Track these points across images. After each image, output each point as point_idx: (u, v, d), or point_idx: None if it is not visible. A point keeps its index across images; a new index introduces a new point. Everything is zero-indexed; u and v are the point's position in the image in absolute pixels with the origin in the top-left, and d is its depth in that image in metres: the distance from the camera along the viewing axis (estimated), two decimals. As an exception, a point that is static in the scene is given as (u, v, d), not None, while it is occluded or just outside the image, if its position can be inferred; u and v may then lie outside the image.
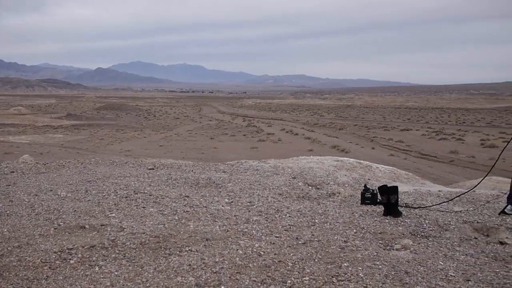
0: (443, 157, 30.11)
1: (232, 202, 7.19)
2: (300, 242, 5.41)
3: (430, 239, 5.81)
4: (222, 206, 6.93)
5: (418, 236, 5.90)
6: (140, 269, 4.55)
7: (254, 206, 6.95)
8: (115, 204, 6.89)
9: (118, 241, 5.26)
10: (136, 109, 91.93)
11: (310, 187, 8.40)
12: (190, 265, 4.63)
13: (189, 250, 5.05)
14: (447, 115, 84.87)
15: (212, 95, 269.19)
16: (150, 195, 7.42)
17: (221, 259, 4.79)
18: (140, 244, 5.20)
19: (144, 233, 5.55)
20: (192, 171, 9.73)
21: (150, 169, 9.89)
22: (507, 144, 7.50)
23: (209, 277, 4.37)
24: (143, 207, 6.71)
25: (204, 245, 5.21)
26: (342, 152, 31.06)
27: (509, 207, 7.02)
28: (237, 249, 5.09)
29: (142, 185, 8.15)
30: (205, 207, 6.83)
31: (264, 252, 5.04)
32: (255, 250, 5.08)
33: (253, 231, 5.75)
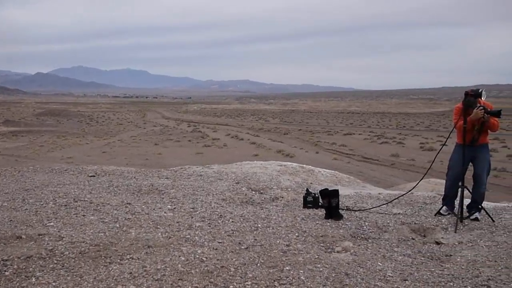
0: (385, 161, 30.81)
1: (174, 208, 7.14)
2: (242, 247, 5.43)
3: (369, 240, 5.96)
4: (165, 212, 6.86)
5: (358, 238, 6.04)
6: (79, 279, 4.45)
7: (197, 212, 6.93)
8: (53, 212, 6.70)
9: (57, 251, 5.12)
10: (78, 115, 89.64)
11: (253, 192, 8.44)
12: (131, 273, 4.56)
13: (130, 258, 4.98)
14: (388, 119, 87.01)
15: (157, 100, 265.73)
16: (91, 203, 7.26)
17: (163, 266, 4.74)
18: (80, 253, 5.08)
19: (83, 241, 5.42)
20: (134, 177, 9.59)
21: (91, 176, 9.69)
22: (441, 147, 7.78)
23: (150, 285, 4.32)
24: (83, 215, 6.56)
25: (146, 253, 5.15)
26: (287, 156, 31.27)
27: (444, 208, 7.29)
28: (179, 256, 5.05)
29: (82, 193, 7.97)
30: (147, 214, 6.75)
31: (206, 258, 5.03)
32: (197, 256, 5.06)
33: (196, 237, 5.73)
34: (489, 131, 7.04)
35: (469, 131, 6.94)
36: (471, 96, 6.90)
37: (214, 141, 43.15)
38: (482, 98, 6.91)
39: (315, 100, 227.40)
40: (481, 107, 6.76)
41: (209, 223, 6.37)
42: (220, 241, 5.64)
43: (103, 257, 4.99)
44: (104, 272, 4.61)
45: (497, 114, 6.78)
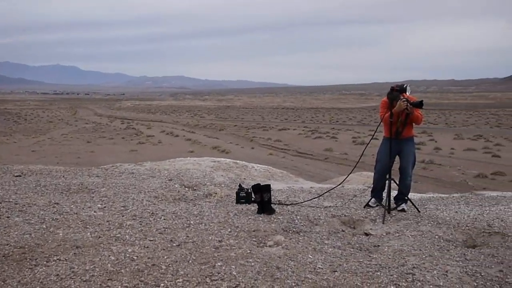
0: (319, 155, 31.34)
1: (105, 207, 6.97)
2: (174, 245, 5.39)
3: (301, 234, 6.05)
4: (94, 212, 6.70)
5: (290, 232, 6.12)
6: (2, 283, 4.27)
7: (128, 211, 6.80)
8: (-25, 215, 6.39)
9: (-22, 255, 4.90)
10: (4, 112, 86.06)
11: (186, 188, 8.38)
12: (58, 275, 4.43)
13: (57, 259, 4.83)
14: (322, 114, 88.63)
15: (89, 97, 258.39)
16: (16, 204, 6.98)
17: (91, 267, 4.63)
18: (3, 256, 4.88)
19: (8, 244, 5.21)
20: (63, 176, 9.30)
21: (17, 176, 9.31)
22: (370, 141, 8.02)
23: (78, 286, 4.21)
24: (7, 217, 6.29)
25: (74, 253, 5.01)
26: (223, 152, 31.28)
27: (372, 200, 7.51)
28: (109, 255, 4.95)
29: (7, 194, 7.64)
30: (76, 213, 6.56)
31: (137, 256, 4.95)
32: (128, 255, 4.98)
33: (127, 236, 5.63)
34: (414, 124, 7.31)
35: (395, 124, 7.19)
36: (396, 91, 7.15)
37: (149, 138, 42.56)
38: (407, 93, 7.17)
39: (250, 96, 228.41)
40: (404, 99, 7.02)
41: (140, 221, 6.27)
42: (152, 239, 5.56)
43: (28, 260, 4.81)
44: (29, 275, 4.45)
45: (419, 104, 7.07)
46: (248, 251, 5.23)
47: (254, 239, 5.74)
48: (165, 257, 4.96)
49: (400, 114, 7.11)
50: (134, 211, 6.79)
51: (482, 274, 4.84)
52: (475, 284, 4.63)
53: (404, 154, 7.36)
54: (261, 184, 7.29)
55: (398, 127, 7.23)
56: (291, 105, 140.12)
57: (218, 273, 4.58)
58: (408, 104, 7.00)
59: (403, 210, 7.23)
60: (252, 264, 4.86)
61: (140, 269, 4.61)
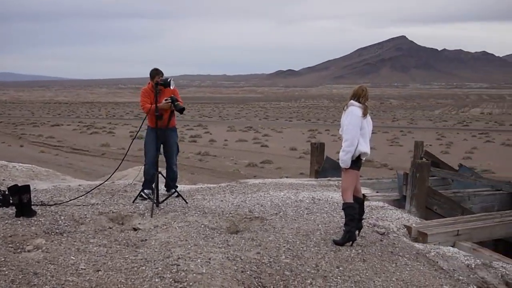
0: (95, 151, 30.41)
1: None
2: None
3: (64, 235, 5.75)
4: None
5: (53, 233, 5.77)
6: None
7: None
8: None
9: None
10: None
11: None
12: None
13: None
14: (98, 109, 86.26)
15: None
16: None
17: None
18: None
19: None
20: None
21: None
22: (136, 135, 8.02)
23: None
24: None
25: None
26: (-15, 153, 28.49)
27: (146, 191, 7.48)
28: None
29: None
30: None
31: None
32: None
33: None
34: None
35: (160, 116, 7.37)
36: (161, 85, 7.27)
37: None
38: (171, 87, 7.32)
39: (18, 90, 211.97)
40: (169, 100, 7.22)
41: None
42: None
43: None
44: None
45: (181, 111, 7.36)
46: (3, 259, 4.80)
47: (10, 245, 5.28)
48: None
49: (164, 110, 7.37)
50: None
51: (242, 258, 5.16)
52: (235, 268, 4.91)
53: (169, 144, 7.67)
54: (20, 184, 6.74)
55: (164, 118, 7.41)
56: (64, 99, 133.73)
57: (-36, 289, 4.13)
58: (172, 105, 7.23)
59: (175, 193, 7.54)
60: (6, 272, 4.48)
61: None
